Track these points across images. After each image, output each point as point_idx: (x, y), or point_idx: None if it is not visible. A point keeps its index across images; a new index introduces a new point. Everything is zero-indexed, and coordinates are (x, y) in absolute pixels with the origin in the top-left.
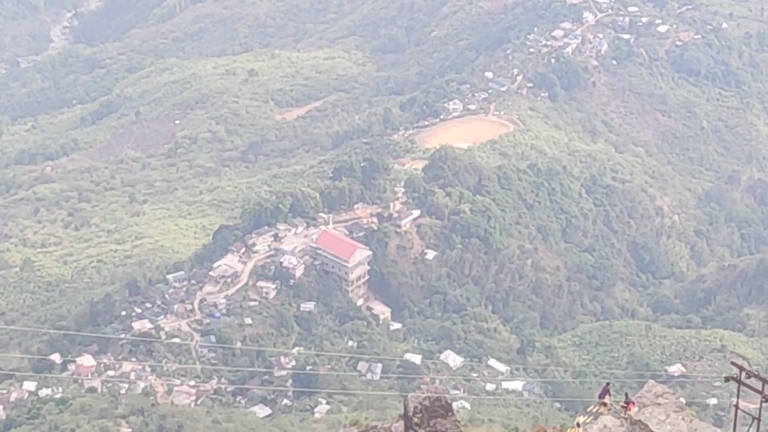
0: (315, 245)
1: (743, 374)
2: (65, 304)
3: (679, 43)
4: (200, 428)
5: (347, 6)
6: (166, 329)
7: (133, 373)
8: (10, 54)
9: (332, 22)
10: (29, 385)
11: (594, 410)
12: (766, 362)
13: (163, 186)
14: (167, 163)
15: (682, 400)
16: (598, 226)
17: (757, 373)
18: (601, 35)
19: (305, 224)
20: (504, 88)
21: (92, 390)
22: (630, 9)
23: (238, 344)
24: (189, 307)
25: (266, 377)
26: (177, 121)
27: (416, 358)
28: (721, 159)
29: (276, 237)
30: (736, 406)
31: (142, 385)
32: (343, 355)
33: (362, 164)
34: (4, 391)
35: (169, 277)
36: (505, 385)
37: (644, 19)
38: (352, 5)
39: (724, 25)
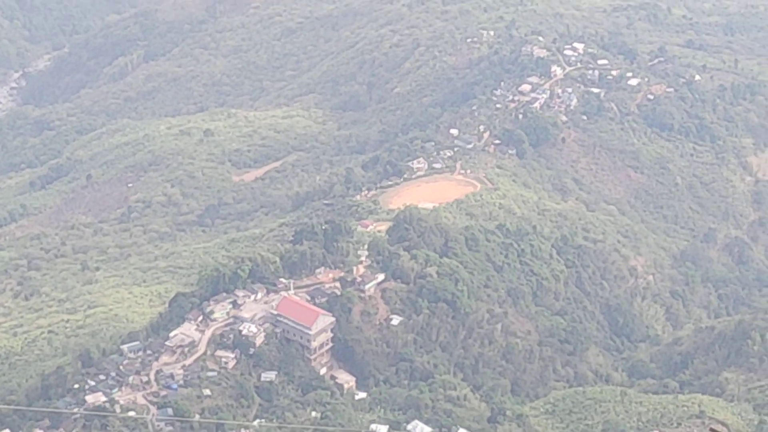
0: (275, 312)
1: None
2: (15, 377)
3: (651, 97)
4: None
5: (306, 63)
6: (121, 402)
7: None
8: None
9: (290, 80)
10: None
11: None
12: (746, 428)
13: (117, 252)
14: (120, 229)
15: None
16: (570, 288)
17: None
18: (570, 89)
19: (265, 290)
20: (470, 146)
21: None
22: (600, 62)
23: (197, 417)
24: (144, 378)
25: None
26: (130, 185)
27: (383, 429)
28: (696, 216)
29: (235, 304)
30: None
31: None
32: (306, 427)
33: (324, 227)
34: None
35: (124, 347)
36: None
37: (614, 73)
38: (310, 62)
39: (698, 78)
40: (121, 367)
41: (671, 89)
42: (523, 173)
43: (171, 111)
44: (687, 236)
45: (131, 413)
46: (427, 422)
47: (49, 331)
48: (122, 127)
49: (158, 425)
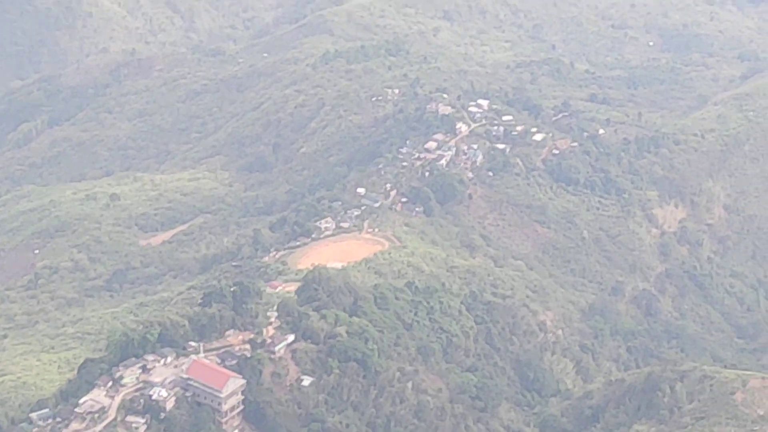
0: (186, 376)
1: None
2: None
3: (556, 152)
4: None
5: (211, 125)
6: None
7: None
8: None
9: (196, 142)
10: None
11: None
12: None
13: (24, 319)
14: (27, 296)
15: None
16: (479, 344)
17: None
18: (475, 146)
19: (175, 354)
20: (377, 204)
21: None
22: (504, 118)
23: None
24: None
25: None
26: (36, 251)
27: None
28: (603, 270)
29: (144, 369)
30: None
31: None
32: None
33: (232, 289)
34: None
35: (33, 415)
36: None
37: (519, 128)
38: (216, 124)
39: (602, 132)
40: None
41: (576, 143)
42: (431, 230)
43: (76, 176)
44: (595, 290)
45: None
46: None
47: None
48: (28, 193)
49: None
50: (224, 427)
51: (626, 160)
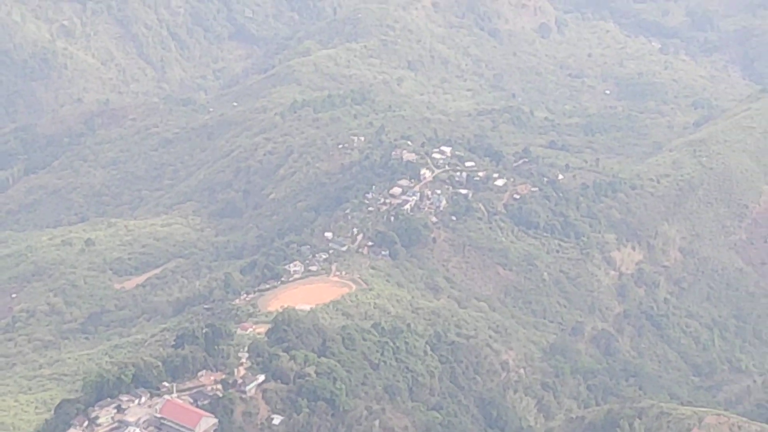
0: (159, 415)
1: None
2: None
3: (517, 196)
4: None
5: (183, 172)
6: None
7: None
8: None
9: (168, 189)
10: None
11: None
12: None
13: (2, 361)
14: (5, 338)
15: None
16: (444, 383)
17: None
18: (439, 191)
19: (149, 394)
20: (344, 248)
21: None
22: (467, 164)
23: None
24: None
25: None
26: (14, 295)
27: None
28: (563, 311)
29: (119, 408)
30: None
31: None
32: None
33: (204, 331)
34: None
35: None
36: None
37: (481, 174)
38: (187, 171)
39: (561, 177)
40: None
41: (536, 188)
42: (397, 273)
43: (52, 222)
44: (555, 330)
45: None
46: None
47: None
48: (4, 239)
49: None
50: None
51: (585, 205)
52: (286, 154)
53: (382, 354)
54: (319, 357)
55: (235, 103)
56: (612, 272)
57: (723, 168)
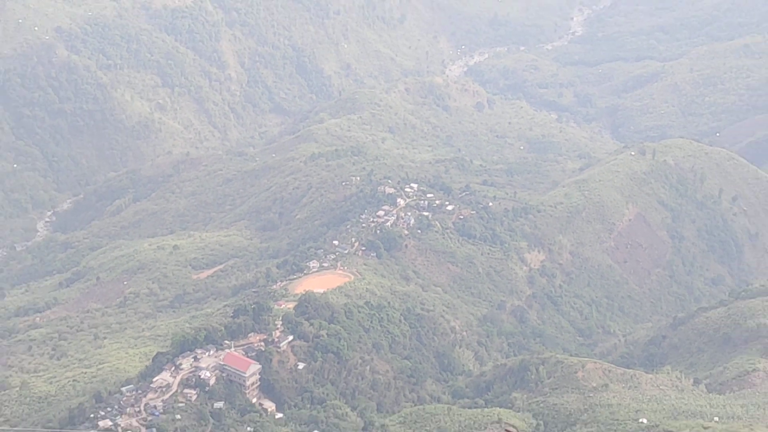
0: (222, 363)
1: None
2: (51, 411)
3: (461, 217)
4: None
5: (238, 201)
6: (122, 425)
7: None
8: (9, 241)
9: (229, 212)
10: None
11: None
12: (528, 429)
13: (117, 327)
14: (119, 311)
15: None
16: (412, 341)
17: None
18: (409, 213)
19: (215, 349)
20: (346, 251)
21: None
22: (428, 195)
23: None
24: (137, 409)
25: None
26: (125, 282)
27: None
28: (492, 293)
29: (195, 358)
30: None
31: None
32: None
33: (253, 306)
34: None
35: (123, 389)
36: None
37: (437, 202)
38: (241, 200)
39: (491, 204)
40: (121, 402)
41: (474, 212)
42: (381, 268)
43: (151, 234)
44: (486, 306)
45: None
46: (323, 431)
47: (73, 380)
48: (119, 246)
49: None
50: (247, 395)
51: (506, 222)
52: (307, 188)
53: (370, 322)
54: (329, 324)
55: (273, 155)
56: (524, 267)
57: (598, 198)
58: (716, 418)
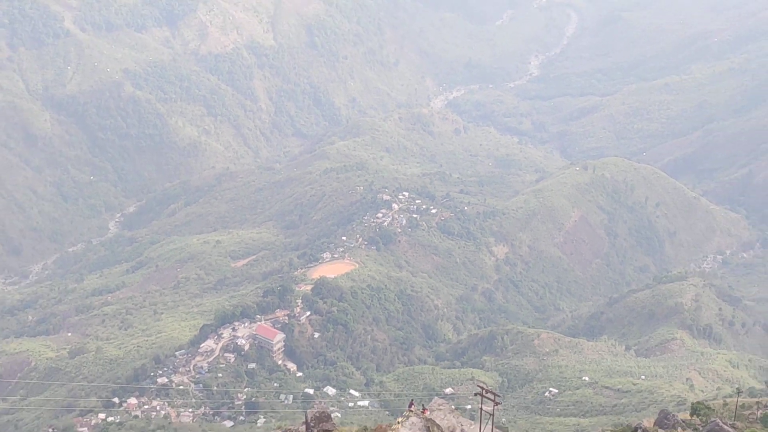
0: (255, 332)
1: (484, 391)
2: (120, 370)
3: (443, 218)
4: None
5: (267, 205)
6: (176, 381)
7: (158, 406)
8: (87, 237)
9: (260, 214)
10: (102, 416)
11: (406, 415)
12: (495, 385)
13: (173, 304)
14: (173, 292)
15: (453, 407)
16: (404, 316)
17: (492, 390)
18: (402, 215)
19: (249, 321)
20: (352, 245)
21: (136, 417)
22: (416, 201)
23: (215, 388)
24: (187, 369)
25: (231, 405)
26: (178, 269)
27: (310, 391)
28: (467, 278)
29: (233, 329)
30: (481, 409)
31: (163, 412)
32: (270, 391)
33: (279, 288)
34: (88, 419)
35: (176, 353)
36: (359, 403)
37: (424, 206)
38: (270, 205)
39: (466, 208)
40: (175, 363)
41: (453, 214)
42: (380, 258)
43: (198, 231)
44: (463, 288)
45: (181, 387)
46: (334, 387)
47: (138, 346)
48: (174, 241)
49: (195, 392)
50: (274, 358)
51: (478, 223)
52: (321, 196)
53: (371, 300)
54: (338, 302)
55: (295, 169)
56: (492, 258)
57: (550, 203)
58: (643, 377)
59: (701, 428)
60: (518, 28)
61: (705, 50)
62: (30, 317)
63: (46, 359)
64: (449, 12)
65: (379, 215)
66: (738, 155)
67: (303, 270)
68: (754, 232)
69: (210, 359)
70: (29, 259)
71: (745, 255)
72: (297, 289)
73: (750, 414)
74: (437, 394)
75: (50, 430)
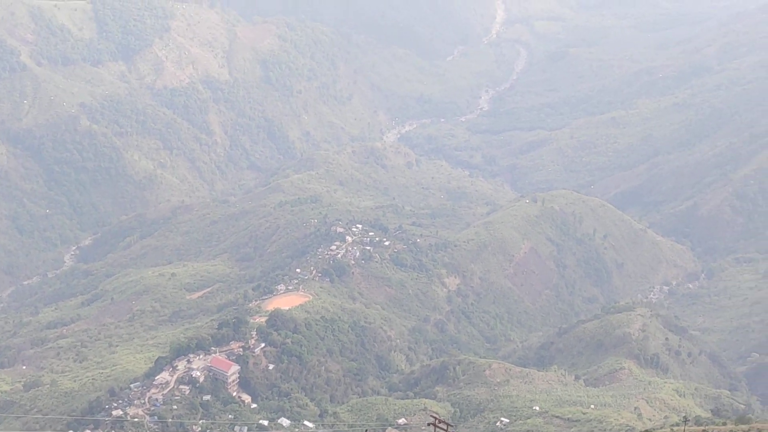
0: (209, 364)
1: (437, 421)
2: (75, 403)
3: (396, 250)
4: None
5: (222, 238)
6: (130, 414)
7: None
8: (42, 270)
9: (215, 246)
10: None
11: None
12: (447, 415)
13: (128, 336)
14: (128, 325)
15: None
16: (357, 347)
17: (444, 420)
18: (355, 248)
19: (204, 353)
20: (306, 277)
21: None
22: (370, 233)
23: (170, 420)
24: (142, 401)
25: None
26: (133, 302)
27: (265, 422)
28: (419, 309)
29: (188, 361)
30: None
31: None
32: (225, 423)
33: (233, 320)
34: None
35: (131, 385)
36: None
37: (377, 239)
38: (225, 237)
39: (419, 240)
40: (130, 396)
41: (405, 246)
42: (333, 290)
43: (154, 264)
44: (415, 319)
45: (136, 419)
46: (289, 418)
47: (93, 378)
48: (128, 274)
49: (149, 425)
50: (229, 390)
51: (430, 254)
52: (276, 228)
53: (325, 332)
54: (293, 333)
55: (249, 202)
56: (444, 289)
57: (501, 236)
58: (592, 405)
59: None
60: (469, 64)
61: (650, 85)
62: None
63: (1, 392)
64: (401, 48)
65: (333, 247)
66: (683, 188)
67: (257, 302)
68: (699, 263)
69: (165, 391)
70: None
71: (690, 286)
72: (252, 321)
73: None
74: (391, 425)
75: None
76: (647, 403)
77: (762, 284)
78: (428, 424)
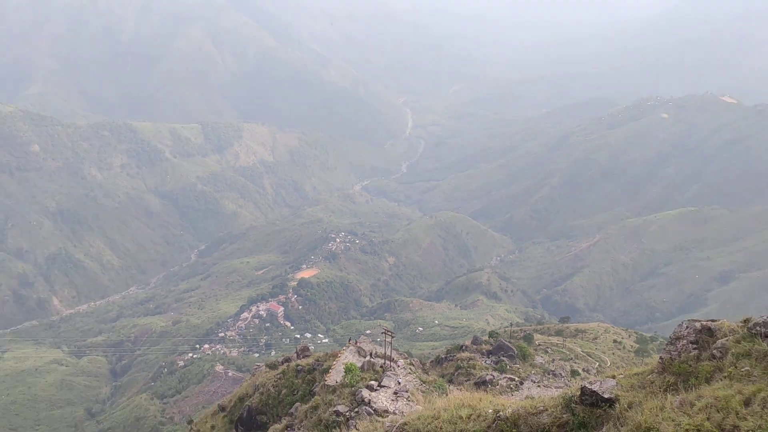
0: (268, 307)
1: (386, 331)
2: (199, 330)
3: (362, 245)
4: None
5: (272, 242)
6: (228, 335)
7: (219, 348)
8: (180, 262)
9: (269, 247)
10: (190, 355)
11: (347, 345)
12: (391, 327)
13: (225, 294)
14: (225, 289)
15: (370, 340)
16: (344, 295)
17: (390, 330)
18: (342, 244)
19: (265, 302)
20: (317, 260)
21: (208, 354)
22: (349, 237)
23: (248, 337)
24: (234, 328)
25: (257, 346)
26: (227, 277)
27: (298, 336)
28: (375, 274)
29: (257, 306)
30: (385, 340)
31: (222, 351)
32: (278, 336)
33: (280, 284)
34: (183, 357)
35: (228, 320)
36: (323, 341)
37: (352, 239)
38: (274, 242)
39: (373, 239)
40: (227, 325)
41: (366, 242)
42: (330, 267)
43: (237, 258)
44: (373, 280)
45: (231, 337)
46: (310, 333)
47: (208, 318)
48: (224, 263)
49: (238, 340)
50: (278, 320)
51: (380, 246)
52: (300, 236)
53: (327, 288)
54: (310, 290)
55: (286, 224)
56: (387, 263)
57: (415, 235)
58: (464, 319)
59: (493, 343)
60: (395, 149)
61: (487, 156)
62: (151, 306)
63: (160, 326)
64: (360, 140)
65: (330, 245)
66: (505, 207)
67: (292, 274)
68: (514, 245)
69: (245, 322)
70: (150, 275)
71: (511, 257)
72: (289, 284)
73: (517, 335)
74: (362, 334)
75: (162, 364)
76: (492, 317)
77: (546, 255)
78: (382, 333)
